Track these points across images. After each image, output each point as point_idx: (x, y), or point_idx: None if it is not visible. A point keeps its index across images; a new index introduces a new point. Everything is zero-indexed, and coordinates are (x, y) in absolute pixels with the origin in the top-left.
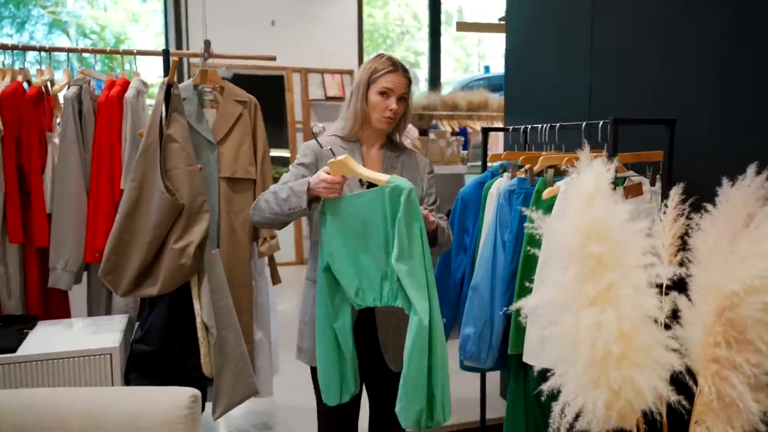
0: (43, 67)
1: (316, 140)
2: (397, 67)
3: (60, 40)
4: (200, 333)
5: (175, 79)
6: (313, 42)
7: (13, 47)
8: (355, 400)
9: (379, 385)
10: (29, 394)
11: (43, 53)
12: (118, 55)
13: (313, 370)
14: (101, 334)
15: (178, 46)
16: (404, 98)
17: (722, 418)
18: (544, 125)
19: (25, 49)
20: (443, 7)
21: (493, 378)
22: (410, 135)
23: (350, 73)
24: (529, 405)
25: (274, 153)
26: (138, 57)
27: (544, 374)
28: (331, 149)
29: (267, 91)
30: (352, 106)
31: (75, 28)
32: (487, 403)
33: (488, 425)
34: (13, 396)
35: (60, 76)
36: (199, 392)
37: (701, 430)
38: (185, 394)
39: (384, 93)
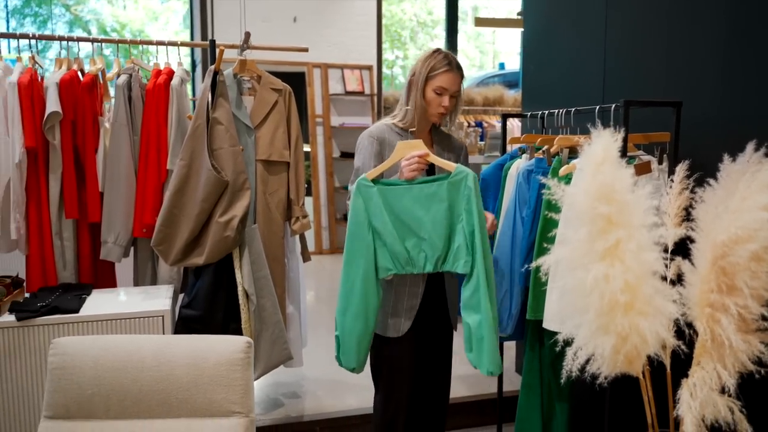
0: (95, 57)
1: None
2: (452, 66)
3: None
4: (241, 300)
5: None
6: (334, 38)
7: (69, 38)
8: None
9: (444, 343)
10: (109, 339)
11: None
12: (162, 47)
13: (382, 339)
14: (152, 299)
15: (203, 41)
16: (456, 96)
17: (715, 357)
18: (561, 110)
19: (80, 40)
20: (459, 4)
21: (509, 356)
22: None
23: (369, 68)
24: (544, 371)
25: None
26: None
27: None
28: (409, 131)
29: (288, 85)
30: (413, 99)
31: (96, 26)
32: (504, 377)
33: (505, 396)
34: (94, 340)
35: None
36: (251, 340)
37: (699, 370)
38: (241, 340)
39: (439, 92)
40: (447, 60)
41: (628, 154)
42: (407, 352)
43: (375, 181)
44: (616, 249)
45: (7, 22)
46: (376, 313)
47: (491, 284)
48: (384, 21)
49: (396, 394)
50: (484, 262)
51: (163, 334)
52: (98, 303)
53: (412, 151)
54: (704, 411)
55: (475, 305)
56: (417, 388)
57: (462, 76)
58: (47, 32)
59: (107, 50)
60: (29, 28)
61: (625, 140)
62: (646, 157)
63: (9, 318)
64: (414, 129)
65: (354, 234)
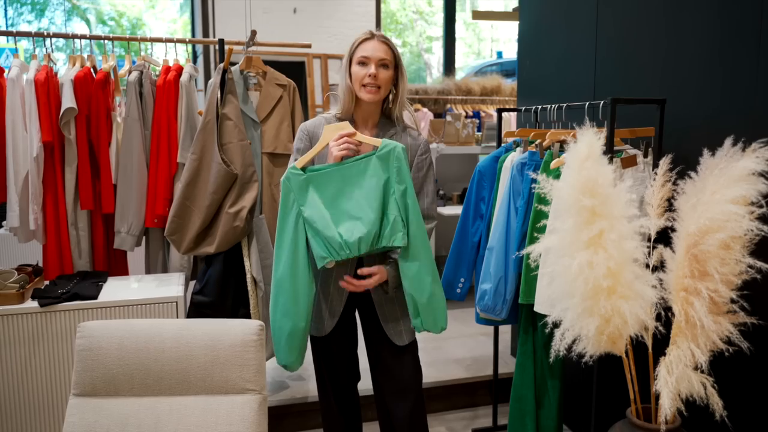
0: (106, 55)
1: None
2: (372, 35)
3: (78, 27)
4: (250, 287)
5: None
6: (333, 29)
7: (83, 37)
8: (354, 369)
9: (386, 359)
10: (132, 322)
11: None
12: (172, 44)
13: (312, 339)
14: (165, 286)
15: (205, 33)
16: (386, 65)
17: (689, 337)
18: (553, 105)
19: (93, 38)
20: None
21: (504, 339)
22: (425, 119)
23: None
24: (537, 353)
25: None
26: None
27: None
28: (335, 116)
29: (288, 76)
30: (341, 84)
31: (94, 15)
32: (499, 360)
33: (500, 378)
34: (117, 323)
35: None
36: (263, 323)
37: (675, 349)
38: (254, 324)
39: (362, 62)
40: (368, 32)
41: (616, 147)
42: (327, 353)
43: (305, 168)
44: (600, 238)
45: (5, 11)
46: (309, 311)
47: (429, 255)
48: (383, 11)
49: (322, 390)
50: (419, 233)
51: (177, 318)
52: (114, 290)
53: (339, 133)
54: (680, 386)
55: (416, 278)
56: (348, 390)
57: (392, 51)
58: (45, 21)
59: (114, 47)
60: (27, 17)
61: (611, 135)
62: (632, 151)
63: (32, 304)
64: (345, 120)
65: (283, 229)
